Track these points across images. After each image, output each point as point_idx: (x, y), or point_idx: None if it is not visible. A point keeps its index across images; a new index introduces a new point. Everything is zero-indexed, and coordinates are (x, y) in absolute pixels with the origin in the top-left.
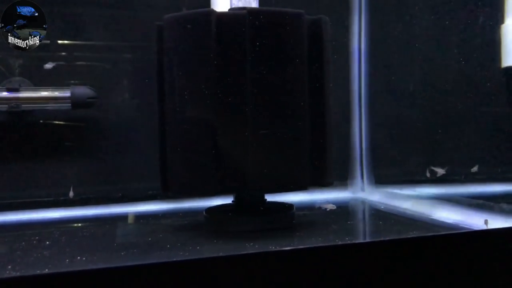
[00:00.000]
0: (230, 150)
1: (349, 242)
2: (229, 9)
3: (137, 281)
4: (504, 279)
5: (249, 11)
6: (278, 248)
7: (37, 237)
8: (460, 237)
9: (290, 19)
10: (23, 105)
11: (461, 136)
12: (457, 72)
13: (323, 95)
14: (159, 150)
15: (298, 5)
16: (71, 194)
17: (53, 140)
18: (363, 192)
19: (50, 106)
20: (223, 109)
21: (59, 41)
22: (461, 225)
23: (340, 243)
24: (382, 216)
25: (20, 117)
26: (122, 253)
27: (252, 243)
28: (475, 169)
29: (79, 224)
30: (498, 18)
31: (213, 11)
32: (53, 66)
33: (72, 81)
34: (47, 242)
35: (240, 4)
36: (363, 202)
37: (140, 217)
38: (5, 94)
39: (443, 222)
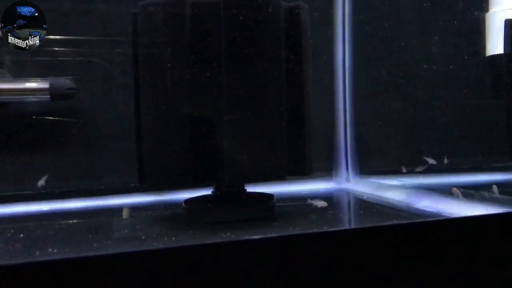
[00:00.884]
0: (205, 140)
1: (322, 230)
2: None
3: (108, 270)
4: (482, 265)
5: None
6: (248, 237)
7: (12, 230)
8: (438, 224)
9: (266, 4)
10: (1, 97)
11: (446, 126)
12: (441, 63)
13: (301, 83)
14: (135, 141)
15: None
16: (40, 182)
17: (33, 132)
18: (348, 183)
19: (29, 97)
20: (198, 98)
21: None
22: (442, 213)
23: (311, 231)
24: (364, 206)
25: None
26: (95, 245)
27: (228, 233)
28: (446, 160)
29: (59, 218)
30: (483, 6)
31: None
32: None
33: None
34: (21, 235)
35: None
36: (348, 192)
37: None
38: None
39: (424, 211)
